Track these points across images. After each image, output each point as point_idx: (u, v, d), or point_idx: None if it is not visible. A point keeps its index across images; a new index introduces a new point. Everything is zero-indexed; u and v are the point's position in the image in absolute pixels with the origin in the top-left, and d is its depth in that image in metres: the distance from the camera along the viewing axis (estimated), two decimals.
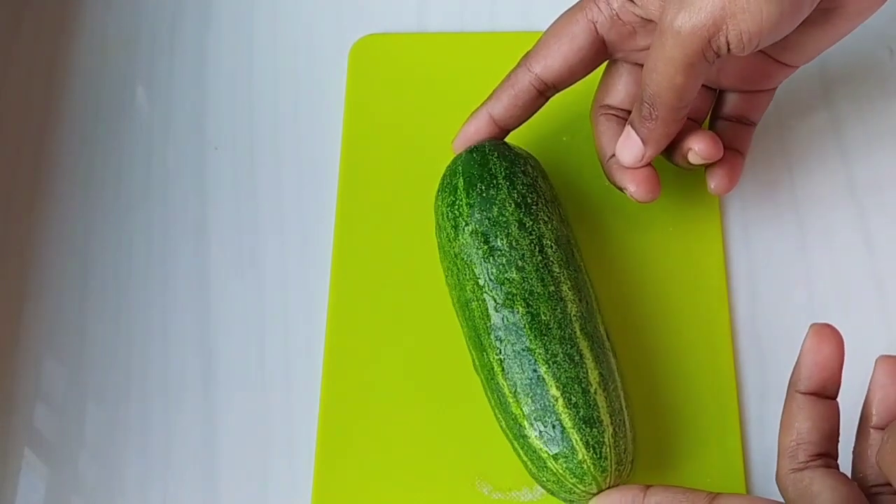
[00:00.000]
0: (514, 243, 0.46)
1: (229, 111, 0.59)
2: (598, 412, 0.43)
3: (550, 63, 0.48)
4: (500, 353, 0.44)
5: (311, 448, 0.49)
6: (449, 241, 0.48)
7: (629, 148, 0.47)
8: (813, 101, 0.56)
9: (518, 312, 0.45)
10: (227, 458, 0.50)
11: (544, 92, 0.49)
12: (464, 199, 0.48)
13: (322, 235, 0.54)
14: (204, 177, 0.57)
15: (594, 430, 0.43)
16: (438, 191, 0.50)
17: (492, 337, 0.45)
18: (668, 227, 0.53)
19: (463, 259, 0.47)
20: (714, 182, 0.49)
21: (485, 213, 0.47)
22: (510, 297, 0.45)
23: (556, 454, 0.43)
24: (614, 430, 0.43)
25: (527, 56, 0.49)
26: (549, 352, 0.44)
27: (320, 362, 0.51)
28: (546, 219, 0.47)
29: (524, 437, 0.44)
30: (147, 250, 0.55)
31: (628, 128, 0.47)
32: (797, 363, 0.42)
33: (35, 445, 0.51)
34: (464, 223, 0.47)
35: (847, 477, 0.40)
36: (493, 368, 0.45)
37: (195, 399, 0.51)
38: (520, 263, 0.45)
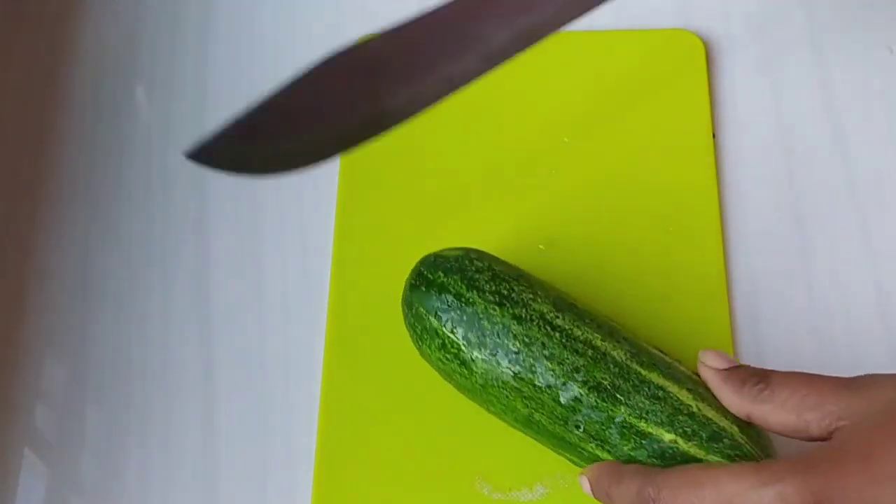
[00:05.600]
0: (525, 339, 0.43)
1: (229, 111, 0.58)
2: (714, 422, 0.42)
3: None
4: (593, 438, 0.43)
5: (311, 448, 0.49)
6: (465, 378, 0.45)
7: None
8: (813, 101, 0.56)
9: (581, 395, 0.42)
10: (227, 458, 0.50)
11: None
12: (449, 334, 0.44)
13: (322, 235, 0.54)
14: (204, 177, 0.57)
15: (725, 440, 0.41)
16: (417, 340, 0.47)
17: (576, 431, 0.43)
18: (668, 228, 0.53)
19: (493, 386, 0.44)
20: None
21: (478, 333, 0.44)
22: (563, 385, 0.43)
23: None
24: (738, 426, 0.42)
25: None
26: (636, 406, 0.42)
27: (320, 362, 0.51)
28: (532, 296, 0.45)
29: None
30: (147, 250, 0.55)
31: None
32: None
33: (35, 445, 0.51)
34: (468, 356, 0.44)
35: None
36: (597, 456, 0.43)
37: (195, 399, 0.51)
38: (546, 353, 0.43)
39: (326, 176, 0.56)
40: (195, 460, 0.50)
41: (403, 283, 0.52)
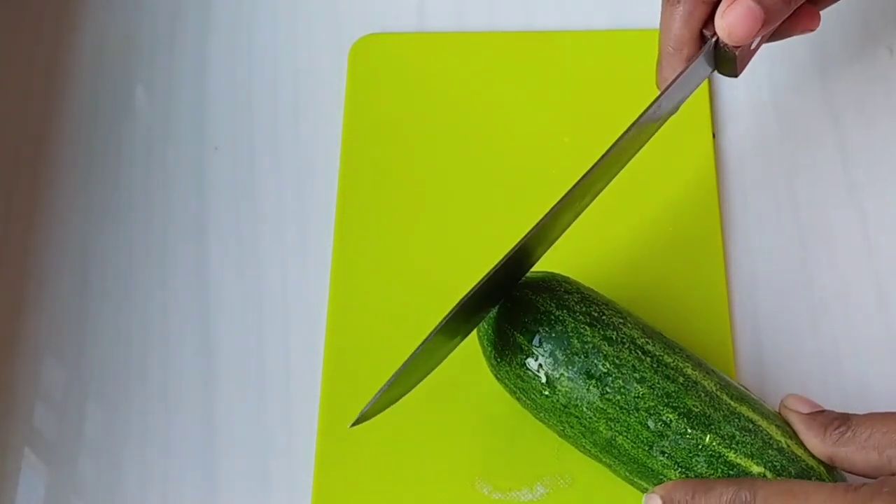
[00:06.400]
0: (616, 361, 0.43)
1: (229, 111, 0.59)
2: (803, 459, 0.42)
3: None
4: (678, 465, 0.42)
5: (311, 448, 0.49)
6: (546, 397, 0.44)
7: (744, 18, 0.42)
8: (813, 102, 0.56)
9: (670, 420, 0.42)
10: (227, 458, 0.50)
11: None
12: (535, 352, 0.44)
13: (322, 235, 0.54)
14: (204, 177, 0.57)
15: (813, 478, 0.41)
16: (496, 356, 0.45)
17: (660, 457, 0.42)
18: (668, 228, 0.53)
19: (577, 406, 0.43)
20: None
21: (566, 352, 0.43)
22: (651, 411, 0.42)
23: None
24: (825, 467, 0.42)
25: None
26: (725, 436, 0.42)
27: (320, 362, 0.51)
28: (621, 320, 0.44)
29: None
30: (147, 250, 0.55)
31: None
32: None
33: (35, 445, 0.51)
34: (554, 375, 0.43)
35: None
36: None
37: (195, 399, 0.51)
38: (636, 375, 0.43)
39: (326, 176, 0.56)
40: (195, 460, 0.50)
41: (403, 284, 0.52)
